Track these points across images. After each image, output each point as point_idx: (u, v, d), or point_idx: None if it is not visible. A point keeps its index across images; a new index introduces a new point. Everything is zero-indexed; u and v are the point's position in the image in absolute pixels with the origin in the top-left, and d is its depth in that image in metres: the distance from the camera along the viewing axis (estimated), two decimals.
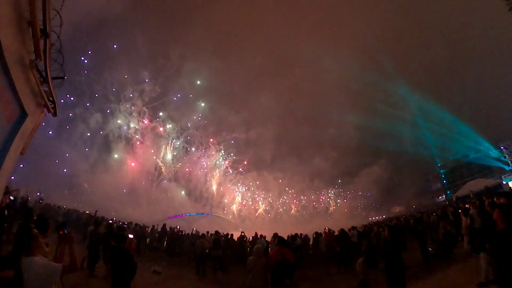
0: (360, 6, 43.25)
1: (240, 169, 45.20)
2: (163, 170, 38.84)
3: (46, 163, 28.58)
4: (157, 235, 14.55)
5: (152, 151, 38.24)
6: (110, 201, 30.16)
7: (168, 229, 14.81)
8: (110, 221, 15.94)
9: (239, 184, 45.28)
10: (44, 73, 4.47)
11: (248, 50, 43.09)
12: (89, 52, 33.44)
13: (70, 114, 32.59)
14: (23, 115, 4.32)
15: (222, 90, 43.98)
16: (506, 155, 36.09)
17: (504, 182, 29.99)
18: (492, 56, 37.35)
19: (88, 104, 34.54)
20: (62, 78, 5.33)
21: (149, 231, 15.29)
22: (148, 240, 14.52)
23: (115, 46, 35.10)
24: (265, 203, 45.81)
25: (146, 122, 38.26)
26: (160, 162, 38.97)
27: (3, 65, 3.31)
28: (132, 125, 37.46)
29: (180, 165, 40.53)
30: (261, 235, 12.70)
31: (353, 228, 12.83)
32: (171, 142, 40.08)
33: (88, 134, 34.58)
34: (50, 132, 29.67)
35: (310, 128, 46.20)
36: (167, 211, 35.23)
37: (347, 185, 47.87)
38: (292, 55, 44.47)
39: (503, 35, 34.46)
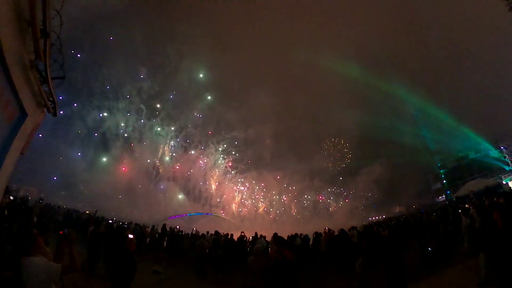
0: (361, 4, 43.24)
1: (240, 169, 45.26)
2: (160, 170, 38.88)
3: (46, 163, 28.61)
4: (157, 235, 14.55)
5: (150, 150, 38.28)
6: (110, 201, 30.18)
7: (168, 229, 14.81)
8: (110, 221, 15.96)
9: (239, 184, 45.31)
10: (44, 73, 4.47)
11: (248, 47, 42.95)
12: (84, 49, 33.18)
13: (61, 112, 32.36)
14: (23, 115, 4.33)
15: (221, 87, 44.06)
16: (506, 155, 36.08)
17: (504, 182, 30.01)
18: (492, 56, 37.35)
19: (86, 102, 34.50)
20: (62, 78, 5.33)
21: (149, 231, 15.29)
22: (148, 240, 14.52)
23: (111, 38, 34.84)
24: (265, 202, 45.83)
25: (143, 121, 38.28)
26: (158, 162, 39.02)
27: (3, 65, 3.31)
28: (130, 123, 37.46)
29: (178, 165, 40.56)
30: (261, 235, 12.71)
31: (353, 228, 12.82)
32: (169, 141, 40.13)
33: (88, 133, 34.59)
34: (48, 131, 29.63)
35: (310, 127, 46.31)
36: (166, 211, 35.24)
37: (347, 185, 47.94)
38: (291, 54, 44.48)
39: (503, 35, 34.48)
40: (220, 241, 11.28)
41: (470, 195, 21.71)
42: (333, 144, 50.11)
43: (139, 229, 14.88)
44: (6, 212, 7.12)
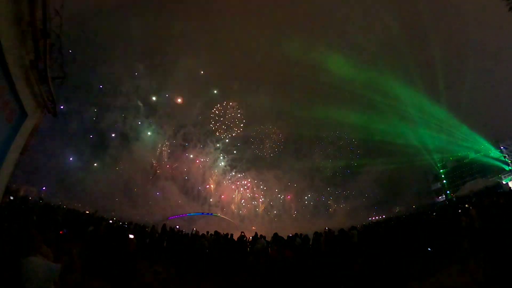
0: (361, 4, 43.23)
1: (239, 168, 45.29)
2: (158, 172, 38.88)
3: (46, 163, 28.61)
4: (157, 235, 14.55)
5: (149, 149, 38.29)
6: (110, 201, 30.19)
7: (168, 229, 14.81)
8: (110, 221, 15.97)
9: (238, 183, 45.36)
10: (44, 73, 4.47)
11: (247, 44, 42.99)
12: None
13: (62, 107, 32.26)
14: (23, 115, 4.33)
15: (219, 85, 44.12)
16: (506, 155, 36.10)
17: (504, 182, 30.05)
18: (493, 55, 37.41)
19: (84, 101, 34.47)
20: (62, 78, 5.33)
21: (149, 231, 15.29)
22: (148, 240, 14.51)
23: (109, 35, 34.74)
24: (265, 202, 45.84)
25: (141, 120, 38.27)
26: (155, 163, 39.04)
27: (3, 65, 3.31)
28: (128, 122, 37.46)
29: (177, 164, 40.59)
30: (261, 235, 12.70)
31: (353, 228, 12.80)
32: (167, 140, 40.14)
33: (88, 133, 34.59)
34: (48, 131, 29.61)
35: (310, 127, 46.39)
36: (166, 211, 35.25)
37: (347, 185, 47.95)
38: (291, 52, 44.47)
39: (503, 35, 34.53)
40: (220, 241, 11.28)
41: (470, 195, 21.73)
42: (333, 144, 50.13)
43: (139, 229, 14.88)
44: (6, 212, 7.12)
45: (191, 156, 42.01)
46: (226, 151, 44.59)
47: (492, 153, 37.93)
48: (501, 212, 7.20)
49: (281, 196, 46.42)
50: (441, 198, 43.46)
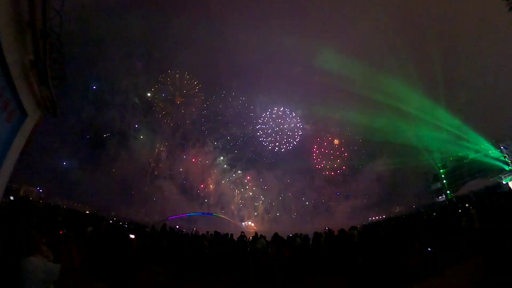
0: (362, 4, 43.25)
1: (239, 167, 45.27)
2: (156, 171, 38.85)
3: (46, 163, 28.62)
4: (157, 235, 14.54)
5: (147, 148, 38.26)
6: (110, 201, 30.18)
7: (168, 229, 14.81)
8: (110, 221, 15.98)
9: (238, 182, 45.36)
10: (44, 73, 4.46)
11: (248, 41, 42.93)
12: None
13: (63, 104, 32.11)
14: (23, 115, 4.33)
15: (217, 84, 44.09)
16: (506, 155, 36.07)
17: (504, 182, 30.05)
18: (493, 55, 37.40)
19: (83, 100, 34.45)
20: (62, 78, 5.33)
21: (149, 231, 15.29)
22: (148, 240, 14.51)
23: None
24: (265, 203, 45.82)
25: (140, 117, 38.25)
26: (153, 163, 39.01)
27: (3, 65, 3.31)
28: (126, 120, 37.42)
29: (175, 163, 40.55)
30: (261, 235, 12.69)
31: (353, 228, 12.80)
32: (166, 138, 40.08)
33: (87, 133, 34.58)
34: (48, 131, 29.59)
35: (310, 126, 46.40)
36: (166, 210, 35.24)
37: (347, 185, 47.94)
38: (292, 52, 44.50)
39: (503, 35, 34.49)
40: (220, 241, 11.28)
41: (470, 195, 21.73)
42: (332, 143, 50.14)
43: (139, 229, 14.87)
44: (6, 212, 7.12)
45: (190, 154, 41.89)
46: (226, 150, 44.54)
47: (492, 153, 37.91)
48: (501, 212, 7.21)
49: (281, 195, 46.42)
50: (441, 198, 43.43)
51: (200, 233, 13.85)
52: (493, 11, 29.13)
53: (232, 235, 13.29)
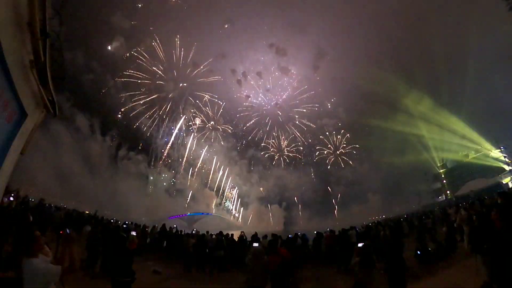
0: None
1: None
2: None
3: (46, 163, 28.60)
4: (157, 235, 14.54)
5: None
6: (110, 201, 30.18)
7: (168, 229, 14.81)
8: (111, 221, 15.97)
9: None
10: (44, 73, 4.46)
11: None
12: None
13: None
14: (23, 115, 4.32)
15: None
16: (506, 155, 36.07)
17: (504, 182, 30.06)
18: (493, 55, 37.32)
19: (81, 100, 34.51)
20: (62, 78, 5.32)
21: (149, 231, 15.28)
22: (148, 240, 14.51)
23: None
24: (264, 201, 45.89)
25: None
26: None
27: (3, 65, 3.31)
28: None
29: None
30: (258, 238, 12.68)
31: (352, 228, 12.82)
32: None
33: (87, 132, 34.61)
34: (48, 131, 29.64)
35: (310, 126, 46.43)
36: (166, 210, 35.26)
37: (347, 185, 47.96)
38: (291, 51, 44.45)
39: (504, 35, 34.46)
40: (223, 241, 11.31)
41: (470, 195, 21.73)
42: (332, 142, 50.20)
43: (139, 229, 14.86)
44: (6, 212, 7.12)
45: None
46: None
47: (492, 153, 37.91)
48: (501, 212, 7.19)
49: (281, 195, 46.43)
50: (441, 198, 43.44)
51: (200, 233, 13.84)
52: (494, 11, 29.14)
53: (232, 235, 13.31)
